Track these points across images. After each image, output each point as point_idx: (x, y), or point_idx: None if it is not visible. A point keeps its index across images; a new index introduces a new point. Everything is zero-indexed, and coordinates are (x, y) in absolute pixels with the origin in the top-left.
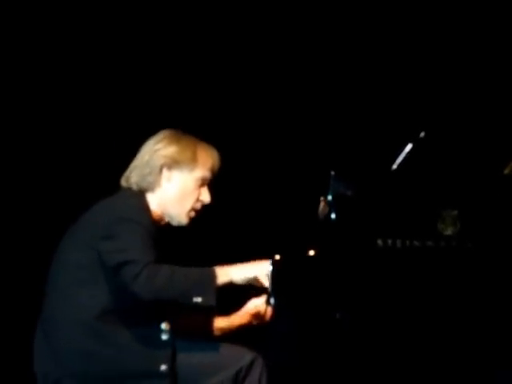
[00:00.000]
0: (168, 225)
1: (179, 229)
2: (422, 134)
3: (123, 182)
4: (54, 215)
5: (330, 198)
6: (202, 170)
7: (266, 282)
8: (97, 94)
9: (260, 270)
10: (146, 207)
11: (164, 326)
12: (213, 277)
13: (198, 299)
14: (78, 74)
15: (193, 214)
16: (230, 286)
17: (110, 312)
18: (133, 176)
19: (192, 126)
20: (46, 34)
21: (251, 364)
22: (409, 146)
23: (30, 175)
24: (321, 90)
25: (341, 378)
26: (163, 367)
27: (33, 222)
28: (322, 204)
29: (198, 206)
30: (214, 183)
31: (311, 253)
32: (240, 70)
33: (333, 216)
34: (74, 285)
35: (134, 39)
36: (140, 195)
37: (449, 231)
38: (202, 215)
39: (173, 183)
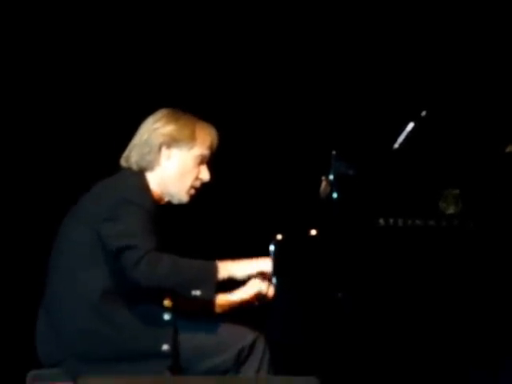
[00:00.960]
0: (168, 203)
1: (180, 208)
2: (424, 113)
3: (123, 162)
4: (54, 197)
5: (331, 177)
6: (200, 148)
7: (267, 279)
8: (95, 74)
9: (262, 267)
10: (146, 187)
11: (166, 304)
12: (214, 271)
13: (197, 292)
14: (74, 58)
15: (193, 191)
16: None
17: (112, 292)
18: (132, 155)
19: (192, 108)
20: (39, 24)
21: (253, 343)
22: (410, 125)
23: (29, 159)
24: (321, 70)
25: (342, 358)
26: (165, 347)
27: (33, 203)
28: (323, 183)
29: (198, 183)
30: (216, 163)
31: (313, 232)
32: (239, 55)
33: (334, 195)
34: (76, 265)
35: (130, 27)
36: (140, 175)
37: (450, 210)
38: (203, 195)
39: (172, 161)
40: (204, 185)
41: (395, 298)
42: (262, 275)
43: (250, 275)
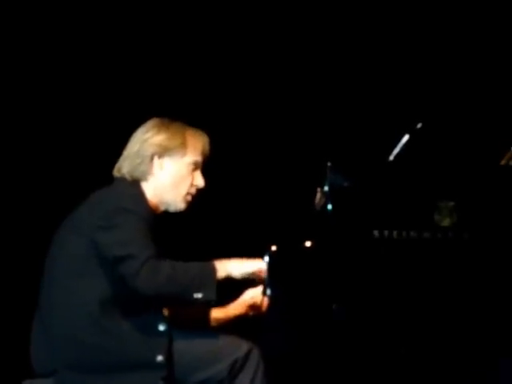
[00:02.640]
0: (164, 213)
1: (176, 219)
2: (419, 125)
3: (116, 173)
4: (49, 207)
5: (326, 189)
6: (193, 155)
7: (265, 276)
8: (88, 87)
9: (259, 266)
10: (142, 196)
11: (161, 316)
12: (213, 272)
13: (199, 295)
14: (68, 68)
15: (189, 198)
16: (228, 281)
17: (106, 302)
18: (124, 166)
19: (187, 118)
20: (38, 25)
21: (247, 354)
22: (406, 137)
23: (26, 167)
24: (317, 81)
25: (337, 370)
26: (159, 358)
27: (28, 214)
28: (318, 195)
29: (193, 190)
30: (211, 174)
31: (307, 244)
32: (238, 62)
33: (329, 207)
34: (71, 275)
35: (126, 30)
36: (135, 184)
37: (445, 222)
38: (198, 205)
39: (165, 171)
40: (199, 194)
41: (390, 309)
42: (258, 277)
43: (247, 273)
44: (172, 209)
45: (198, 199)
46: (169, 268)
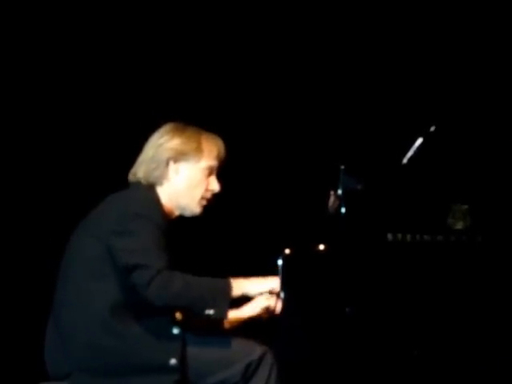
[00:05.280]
0: (179, 217)
1: (190, 223)
2: (433, 129)
3: (131, 177)
4: (64, 210)
5: (339, 192)
6: (208, 160)
7: (277, 298)
8: (102, 91)
9: (273, 285)
10: (157, 201)
11: (177, 317)
12: (227, 290)
13: (211, 311)
14: (80, 72)
15: (204, 202)
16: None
17: (121, 306)
18: (139, 171)
19: (200, 121)
20: (42, 30)
21: (261, 358)
22: (419, 140)
23: (39, 173)
24: (331, 83)
25: (350, 373)
26: (173, 361)
27: (42, 218)
28: (331, 198)
29: (208, 195)
30: (225, 177)
31: (321, 247)
32: (253, 67)
33: (342, 210)
34: (85, 278)
35: (135, 35)
36: (151, 189)
37: (459, 226)
38: (212, 209)
39: (180, 175)
40: (213, 199)
41: (403, 312)
42: (272, 292)
43: (262, 292)
44: (187, 213)
45: (212, 203)
46: (182, 281)
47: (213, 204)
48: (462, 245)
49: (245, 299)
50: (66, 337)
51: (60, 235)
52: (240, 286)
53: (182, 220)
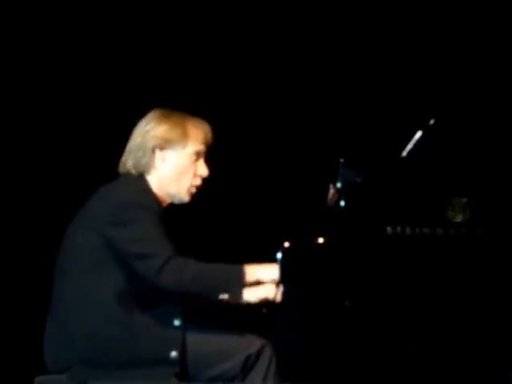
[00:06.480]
0: (171, 205)
1: (188, 215)
2: (432, 122)
3: (121, 168)
4: (60, 203)
5: (339, 185)
6: (194, 145)
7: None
8: (95, 82)
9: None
10: (149, 190)
11: (177, 311)
12: (241, 274)
13: (225, 296)
14: (69, 64)
15: (193, 189)
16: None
17: (120, 297)
18: (129, 160)
19: (196, 114)
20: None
21: (260, 351)
22: (419, 134)
23: (33, 164)
24: (330, 77)
25: (349, 366)
26: (173, 353)
27: (37, 213)
28: (331, 191)
29: (198, 181)
30: (224, 170)
31: (320, 240)
32: (254, 57)
33: (342, 203)
34: (82, 271)
35: (126, 27)
36: (141, 179)
37: (458, 219)
38: (211, 202)
39: (167, 163)
40: (212, 192)
41: (402, 306)
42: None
43: (275, 279)
44: (176, 201)
45: (210, 195)
46: (196, 267)
47: (212, 196)
48: (461, 238)
49: None
50: (65, 329)
51: (58, 229)
52: (254, 271)
53: (181, 213)
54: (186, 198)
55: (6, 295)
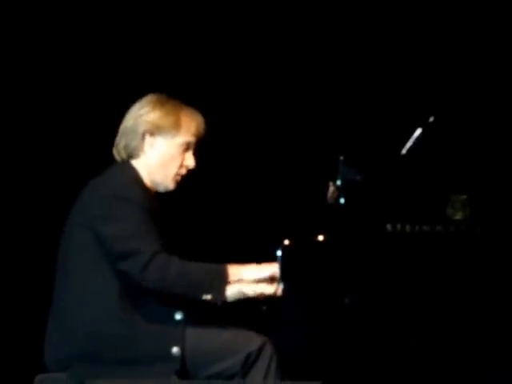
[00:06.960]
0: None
1: (188, 213)
2: (431, 119)
3: (114, 152)
4: (59, 203)
5: (338, 182)
6: (185, 136)
7: (277, 284)
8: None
9: (272, 272)
10: (137, 179)
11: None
12: (225, 275)
13: (208, 296)
14: (68, 57)
15: (178, 178)
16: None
17: (120, 293)
18: (121, 141)
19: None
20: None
21: (261, 348)
22: (418, 131)
23: (31, 158)
24: (329, 75)
25: (349, 363)
26: (175, 349)
27: (37, 212)
28: (331, 189)
29: (183, 171)
30: (224, 168)
31: (320, 238)
32: (250, 55)
33: (342, 201)
34: (83, 268)
35: (122, 19)
36: (129, 167)
37: (458, 216)
38: (210, 199)
39: (156, 149)
40: (211, 190)
41: (402, 303)
42: (272, 280)
43: (260, 280)
44: (161, 188)
45: (210, 193)
46: (179, 266)
47: (211, 194)
48: (461, 235)
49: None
50: (66, 327)
51: (57, 227)
52: (238, 272)
53: (180, 211)
54: (171, 186)
55: (5, 295)
